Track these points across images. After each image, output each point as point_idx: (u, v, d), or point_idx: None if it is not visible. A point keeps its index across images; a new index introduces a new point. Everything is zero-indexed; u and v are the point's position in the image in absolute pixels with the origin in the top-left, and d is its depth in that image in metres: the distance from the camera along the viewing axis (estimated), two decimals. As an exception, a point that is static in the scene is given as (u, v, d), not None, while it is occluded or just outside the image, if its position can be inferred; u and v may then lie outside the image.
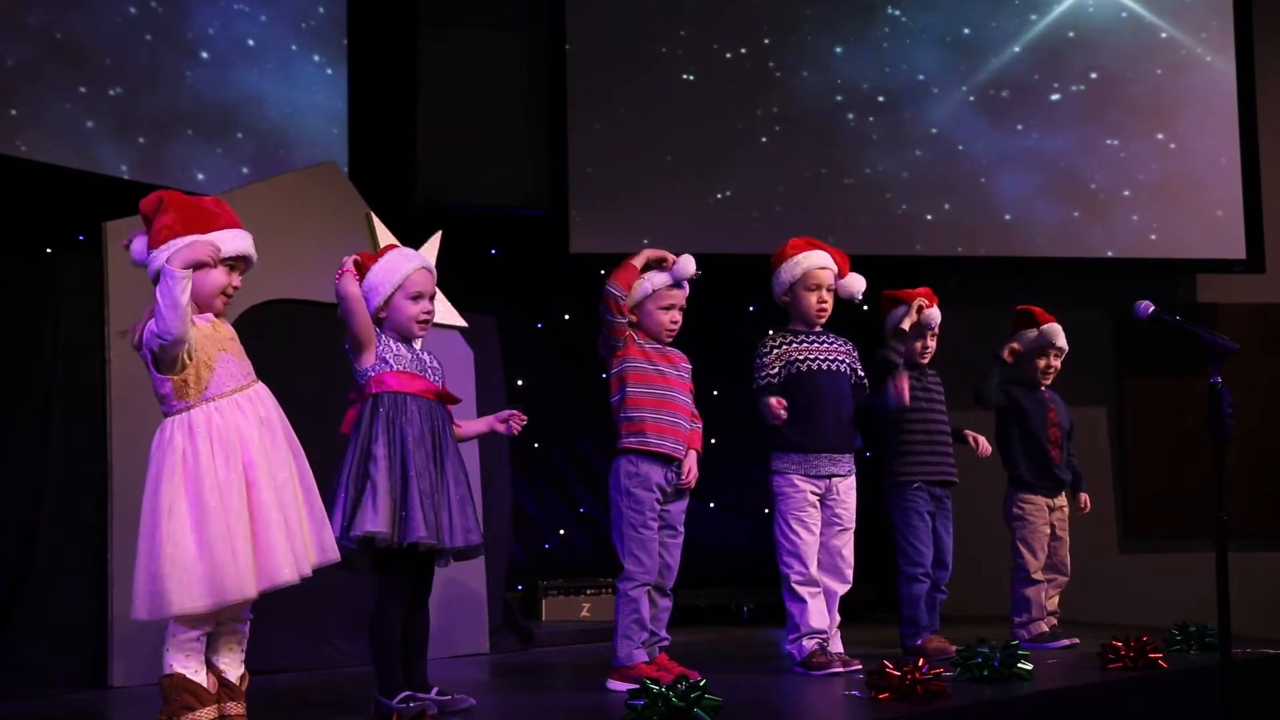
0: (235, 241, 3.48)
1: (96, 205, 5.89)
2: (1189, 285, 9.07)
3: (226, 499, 3.28)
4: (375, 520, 3.63)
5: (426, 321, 3.93)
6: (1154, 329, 4.23)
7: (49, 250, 6.22)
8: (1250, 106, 8.71)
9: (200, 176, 6.88)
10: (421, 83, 8.28)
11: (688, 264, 4.65)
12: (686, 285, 4.73)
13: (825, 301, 5.07)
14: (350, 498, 3.68)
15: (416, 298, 3.88)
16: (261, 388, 3.49)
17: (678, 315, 4.70)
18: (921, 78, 8.56)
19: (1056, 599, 5.98)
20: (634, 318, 4.72)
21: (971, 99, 8.59)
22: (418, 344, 3.96)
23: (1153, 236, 8.60)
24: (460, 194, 8.28)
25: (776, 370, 5.03)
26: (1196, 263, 8.82)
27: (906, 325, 5.44)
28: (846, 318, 5.23)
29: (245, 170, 7.09)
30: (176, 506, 3.27)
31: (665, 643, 4.66)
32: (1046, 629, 5.83)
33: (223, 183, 6.80)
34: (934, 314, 5.60)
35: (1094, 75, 8.67)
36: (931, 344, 5.68)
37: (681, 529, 4.66)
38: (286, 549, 3.32)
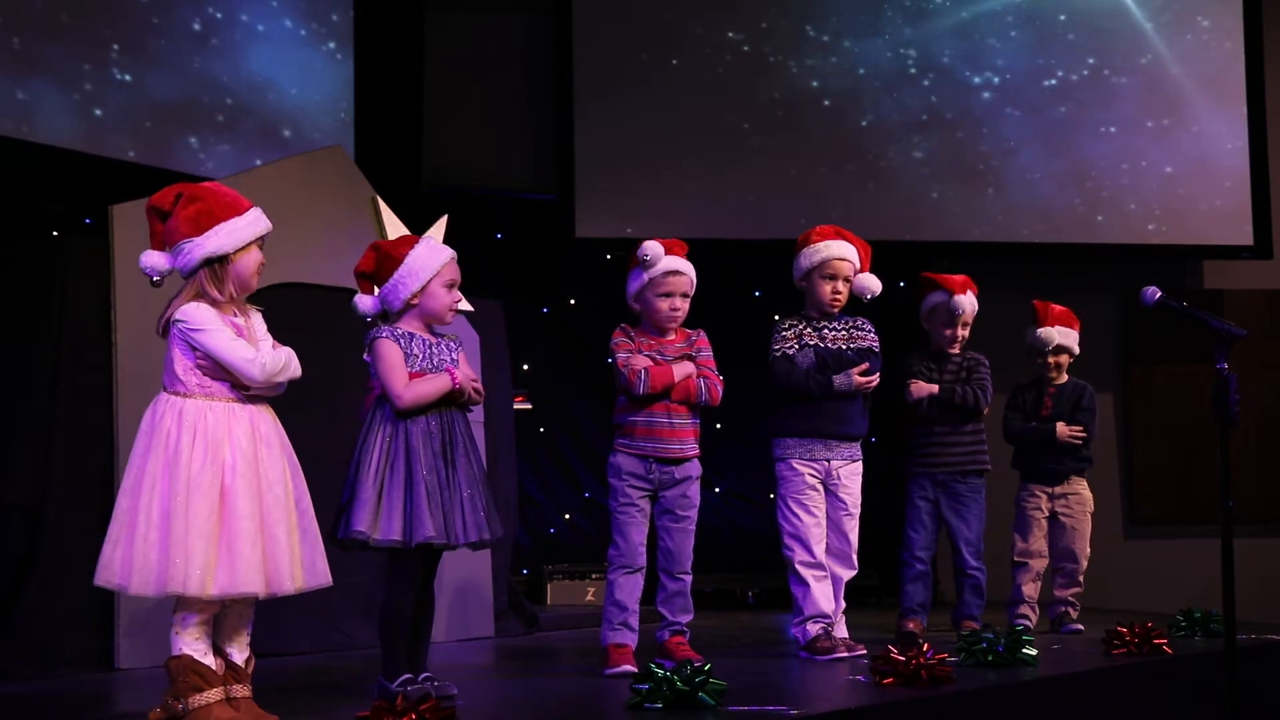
0: (264, 219, 3.54)
1: (103, 189, 5.90)
2: (1195, 271, 9.05)
3: (193, 496, 3.27)
4: (359, 521, 3.66)
5: (455, 309, 3.96)
6: (1160, 315, 4.23)
7: (55, 234, 6.22)
8: (1259, 91, 8.66)
9: (207, 161, 6.88)
10: (427, 66, 8.27)
11: (648, 249, 4.64)
12: (688, 274, 4.71)
13: (839, 293, 5.07)
14: (346, 496, 3.72)
15: (451, 286, 3.93)
16: (267, 409, 3.50)
17: (679, 302, 4.67)
18: (924, 64, 8.53)
19: (1072, 589, 5.96)
20: (637, 307, 4.73)
21: (974, 85, 8.56)
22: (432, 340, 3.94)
23: (1157, 224, 8.58)
24: (466, 178, 8.28)
25: (794, 346, 5.04)
26: (1203, 249, 8.79)
27: (920, 394, 5.58)
28: (855, 303, 5.23)
29: (251, 154, 7.09)
30: (152, 488, 3.29)
31: (675, 626, 4.69)
32: (1029, 614, 5.83)
33: (229, 166, 6.79)
34: (965, 302, 5.60)
35: (1098, 60, 8.64)
36: (963, 333, 5.67)
37: (685, 513, 4.66)
38: (255, 561, 3.31)
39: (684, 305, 4.69)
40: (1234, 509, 3.73)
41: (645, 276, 4.66)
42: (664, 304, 4.66)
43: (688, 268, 4.71)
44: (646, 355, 4.63)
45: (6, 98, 6.16)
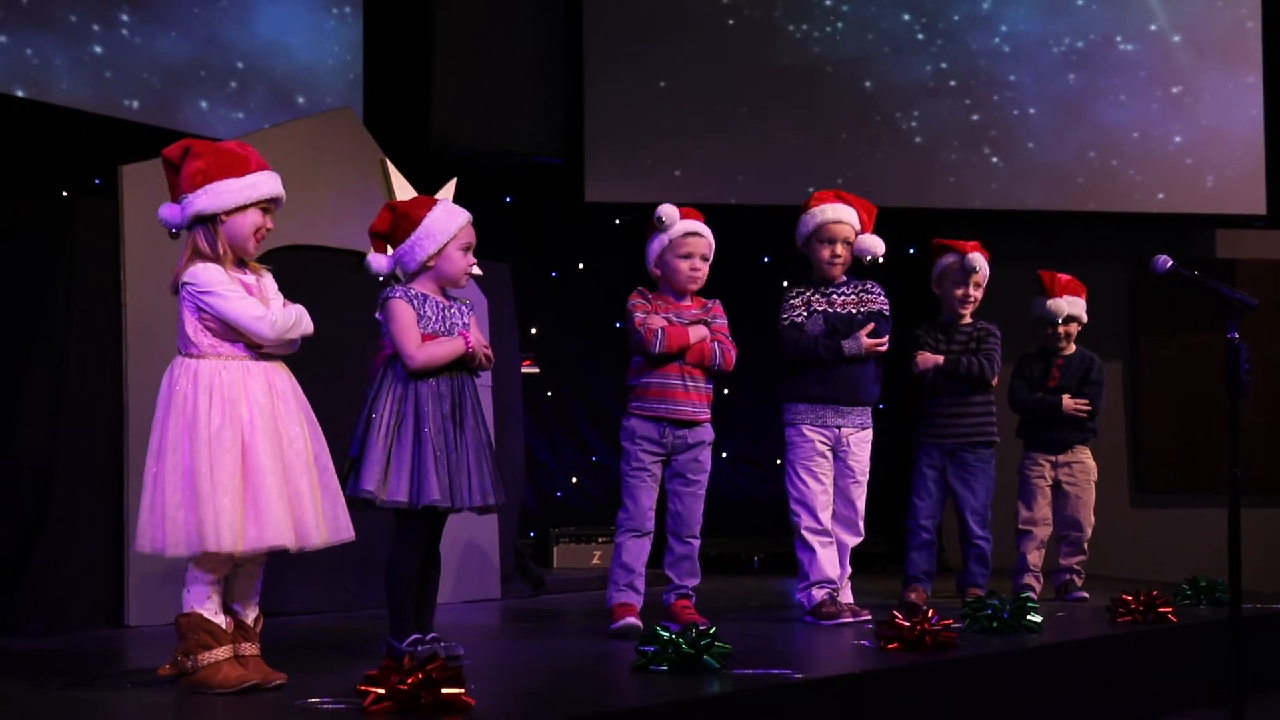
0: (268, 183, 3.49)
1: (112, 149, 5.89)
2: (1208, 240, 9.01)
3: (215, 454, 3.28)
4: (368, 480, 3.67)
5: (469, 273, 3.96)
6: (1171, 284, 4.21)
7: (65, 194, 6.23)
8: (1275, 59, 8.60)
9: (216, 122, 6.87)
10: (437, 28, 8.24)
11: (663, 211, 4.66)
12: (707, 236, 4.71)
13: (838, 256, 5.05)
14: (354, 455, 3.72)
15: (467, 249, 3.92)
16: (282, 366, 3.50)
17: (699, 264, 4.69)
18: (932, 29, 8.49)
19: (1076, 557, 5.97)
20: (657, 272, 4.73)
21: (983, 51, 8.51)
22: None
23: (1168, 192, 8.54)
24: (475, 141, 8.26)
25: (803, 314, 5.04)
26: (1216, 218, 8.76)
27: (926, 365, 5.56)
28: (862, 265, 5.21)
29: (260, 114, 7.08)
30: (175, 451, 3.29)
31: (681, 590, 4.71)
32: (1034, 582, 5.84)
33: (238, 128, 6.79)
34: (979, 260, 5.58)
35: (1108, 27, 8.58)
36: (975, 294, 5.65)
37: (696, 477, 4.68)
38: (284, 514, 3.32)
39: (704, 268, 4.71)
40: (1241, 478, 3.73)
41: (665, 238, 4.67)
42: (684, 265, 4.66)
43: (706, 231, 4.72)
44: (662, 318, 4.64)
45: (16, 58, 6.15)
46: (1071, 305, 5.96)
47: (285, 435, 3.39)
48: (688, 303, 4.74)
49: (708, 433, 4.72)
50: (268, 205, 3.50)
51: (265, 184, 3.48)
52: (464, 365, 3.85)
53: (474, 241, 3.95)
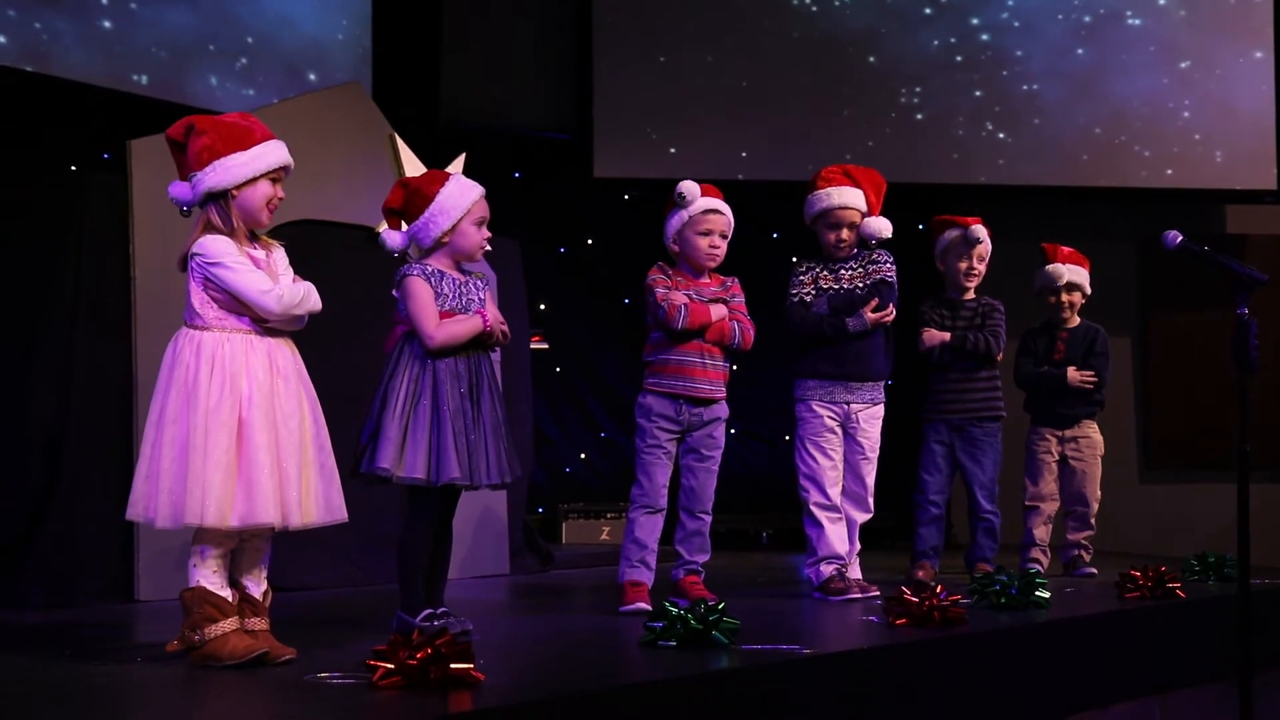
0: (276, 153, 3.48)
1: (121, 123, 5.88)
2: (1218, 216, 8.98)
3: (211, 428, 3.28)
4: (384, 458, 3.66)
5: (485, 247, 3.95)
6: (1181, 259, 4.20)
7: (74, 168, 6.22)
8: (1286, 34, 8.57)
9: (225, 97, 6.86)
10: (445, 3, 8.22)
11: (684, 187, 4.64)
12: (726, 214, 4.71)
13: (844, 241, 5.04)
14: (369, 432, 3.72)
15: (481, 223, 3.91)
16: (287, 343, 3.50)
17: (718, 241, 4.69)
18: (940, 5, 8.45)
19: (1084, 532, 5.97)
20: (675, 248, 4.72)
21: (994, 26, 8.47)
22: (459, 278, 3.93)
23: (1178, 168, 8.51)
24: (484, 116, 8.25)
25: (810, 292, 5.03)
26: (1225, 193, 8.73)
27: (932, 342, 5.56)
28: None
29: (271, 90, 7.07)
30: (173, 422, 3.30)
31: (690, 565, 4.72)
32: (1041, 557, 5.85)
33: (246, 102, 6.78)
34: (982, 231, 5.55)
35: (1120, 1, 8.53)
36: (979, 267, 5.63)
37: (710, 453, 4.69)
38: (272, 493, 3.31)
39: (722, 245, 4.70)
40: (1250, 454, 3.72)
41: (685, 214, 4.66)
42: (703, 242, 4.66)
43: (726, 208, 4.72)
44: (683, 294, 4.64)
45: (25, 32, 6.14)
46: (1072, 273, 5.93)
47: (281, 413, 3.39)
48: (706, 280, 4.74)
49: (723, 410, 4.72)
50: (277, 175, 3.49)
51: (272, 154, 3.47)
52: (481, 343, 3.85)
53: (488, 215, 3.94)
